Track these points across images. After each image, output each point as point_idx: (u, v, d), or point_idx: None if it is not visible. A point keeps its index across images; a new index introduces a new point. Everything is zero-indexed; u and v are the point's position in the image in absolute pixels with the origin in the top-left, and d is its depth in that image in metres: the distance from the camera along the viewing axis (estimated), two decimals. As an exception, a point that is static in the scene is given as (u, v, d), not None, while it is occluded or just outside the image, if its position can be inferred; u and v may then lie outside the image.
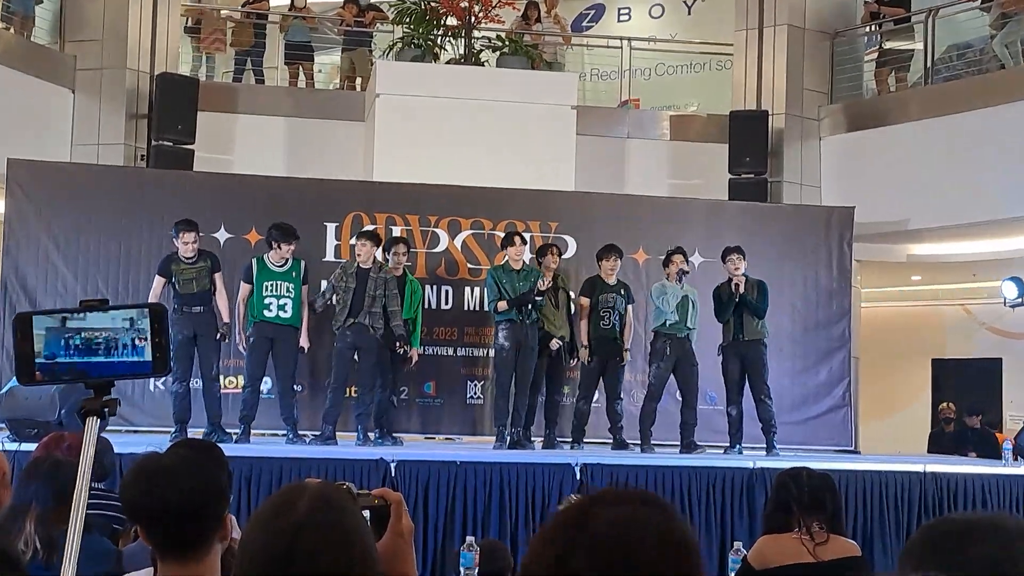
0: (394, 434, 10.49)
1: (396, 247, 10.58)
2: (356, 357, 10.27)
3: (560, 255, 11.01)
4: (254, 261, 10.18)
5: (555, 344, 10.52)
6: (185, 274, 9.94)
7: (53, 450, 5.00)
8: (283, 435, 10.21)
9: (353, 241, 10.70)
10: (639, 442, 10.70)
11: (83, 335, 1.70)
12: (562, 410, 10.98)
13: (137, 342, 1.70)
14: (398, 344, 10.25)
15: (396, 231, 11.60)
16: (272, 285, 10.09)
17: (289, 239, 10.13)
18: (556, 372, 10.85)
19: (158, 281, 10.03)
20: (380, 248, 10.47)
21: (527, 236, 11.09)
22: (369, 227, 11.13)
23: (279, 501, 1.96)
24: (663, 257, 11.00)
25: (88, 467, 1.74)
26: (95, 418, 1.72)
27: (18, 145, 11.82)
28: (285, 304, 10.11)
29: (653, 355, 10.80)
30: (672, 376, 10.74)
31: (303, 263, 10.26)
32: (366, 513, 2.17)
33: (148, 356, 1.70)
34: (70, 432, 5.53)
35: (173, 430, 9.82)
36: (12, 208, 11.24)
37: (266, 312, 10.06)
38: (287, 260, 10.16)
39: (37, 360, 1.68)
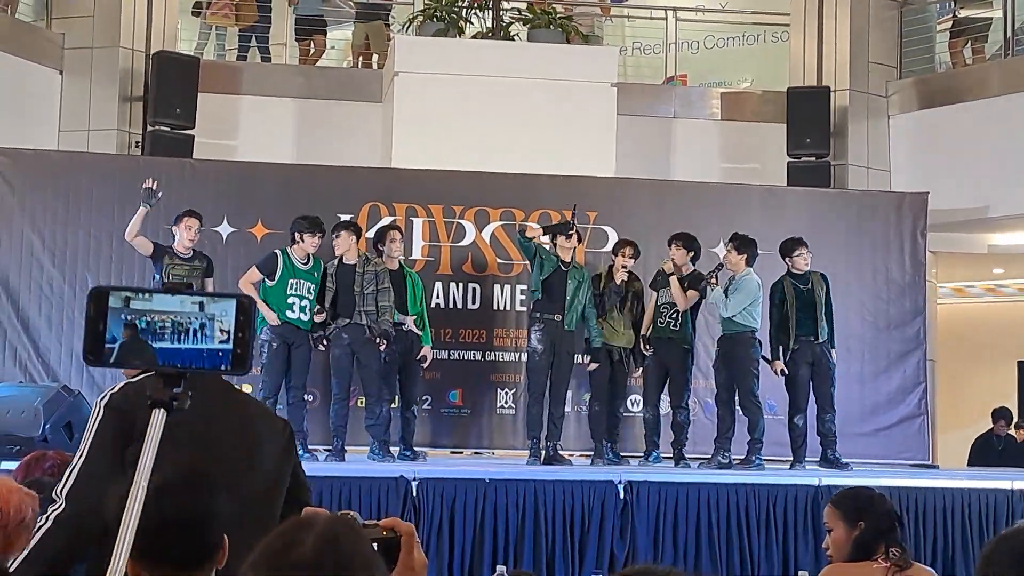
0: (416, 448, 10.31)
1: (390, 235, 10.37)
2: (355, 362, 10.09)
3: (635, 256, 10.68)
4: (279, 253, 10.06)
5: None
6: (176, 270, 9.83)
7: (34, 470, 4.87)
8: None
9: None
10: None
11: (148, 317, 1.67)
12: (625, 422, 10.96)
13: (208, 330, 1.67)
14: (378, 340, 10.04)
15: (417, 223, 11.43)
16: (296, 284, 10.03)
17: (315, 231, 10.06)
18: (617, 381, 10.70)
19: (143, 243, 10.04)
20: (359, 238, 10.34)
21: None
22: (346, 217, 10.94)
23: (285, 537, 2.00)
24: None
25: (147, 469, 1.69)
26: (162, 411, 1.68)
27: (0, 131, 11.72)
28: (306, 306, 10.04)
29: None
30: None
31: (323, 263, 10.14)
32: (373, 546, 2.12)
33: (221, 345, 1.67)
34: (54, 450, 5.39)
35: None
36: (-7, 200, 11.13)
37: (288, 313, 9.95)
38: (309, 257, 10.06)
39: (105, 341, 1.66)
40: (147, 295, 1.66)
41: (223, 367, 1.67)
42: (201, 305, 1.65)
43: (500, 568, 5.85)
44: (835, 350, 10.72)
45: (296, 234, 10.05)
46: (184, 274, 9.86)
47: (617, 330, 10.47)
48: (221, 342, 1.62)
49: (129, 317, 1.65)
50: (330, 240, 10.20)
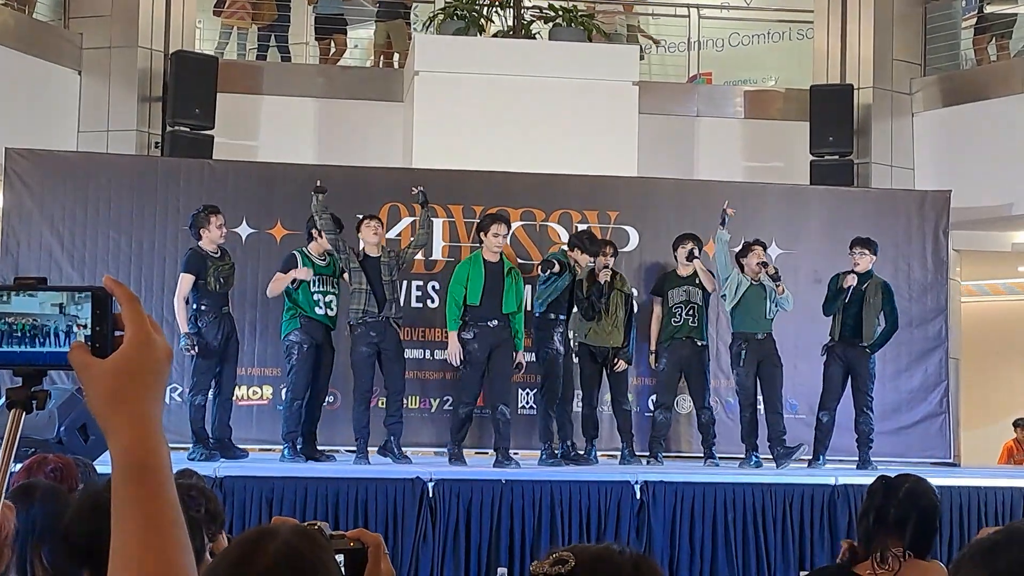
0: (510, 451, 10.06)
1: (495, 228, 10.01)
2: (379, 359, 10.02)
3: (615, 255, 10.78)
4: (298, 253, 10.04)
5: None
6: (222, 270, 9.87)
7: (36, 473, 4.87)
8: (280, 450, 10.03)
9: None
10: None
11: (4, 321, 1.64)
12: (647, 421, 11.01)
13: (71, 334, 1.63)
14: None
15: (437, 223, 11.43)
16: (319, 280, 10.01)
17: (332, 227, 10.04)
18: (616, 380, 10.72)
19: (186, 279, 9.83)
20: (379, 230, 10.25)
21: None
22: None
23: (246, 548, 1.99)
24: (738, 249, 10.85)
25: (6, 468, 1.67)
26: (19, 411, 1.66)
27: (19, 133, 11.81)
28: (331, 302, 10.04)
29: (732, 360, 10.70)
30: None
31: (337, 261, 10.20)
32: (340, 557, 2.11)
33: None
34: (56, 454, 5.40)
35: (191, 447, 9.74)
36: (12, 202, 11.17)
37: (317, 310, 9.95)
38: (327, 254, 10.07)
39: None
40: (5, 296, 1.64)
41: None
42: (61, 308, 1.63)
43: (501, 570, 5.87)
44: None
45: (313, 231, 10.06)
46: (228, 272, 9.93)
47: (606, 331, 10.51)
48: (84, 339, 1.60)
49: None
50: (354, 235, 10.20)
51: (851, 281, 10.50)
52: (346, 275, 10.02)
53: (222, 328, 9.86)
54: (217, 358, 9.82)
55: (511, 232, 10.77)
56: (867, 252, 10.65)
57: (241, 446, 10.13)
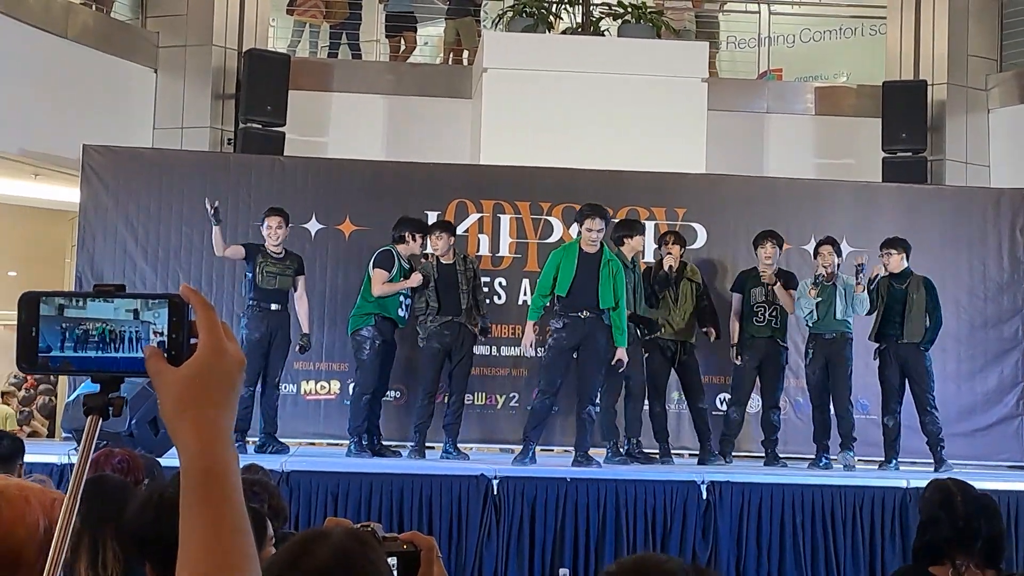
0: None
1: (588, 222, 9.59)
2: (448, 359, 9.99)
3: (683, 244, 10.66)
4: (392, 251, 10.03)
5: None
6: (269, 268, 9.93)
7: (104, 466, 4.90)
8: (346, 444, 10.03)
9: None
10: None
11: (83, 326, 1.65)
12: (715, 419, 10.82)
13: (144, 338, 1.64)
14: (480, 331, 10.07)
15: (505, 220, 11.40)
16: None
17: (424, 232, 10.10)
18: (693, 379, 10.58)
19: (237, 248, 10.12)
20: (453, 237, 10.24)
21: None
22: (434, 214, 10.89)
23: (298, 549, 1.99)
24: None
25: (82, 474, 1.65)
26: (97, 417, 1.67)
27: (97, 129, 11.96)
28: (408, 304, 10.08)
29: (805, 358, 10.66)
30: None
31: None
32: (392, 560, 2.09)
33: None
34: (121, 448, 5.41)
35: (260, 437, 9.82)
36: (88, 198, 11.30)
37: (399, 311, 9.99)
38: (410, 259, 10.10)
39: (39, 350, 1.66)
40: (80, 301, 1.64)
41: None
42: (135, 313, 1.63)
43: (563, 571, 5.80)
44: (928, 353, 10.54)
45: (407, 234, 10.06)
46: (277, 272, 9.97)
47: (677, 322, 10.41)
48: (158, 345, 1.60)
49: (64, 325, 1.63)
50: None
51: (877, 271, 10.40)
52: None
53: (267, 325, 9.94)
54: (262, 353, 9.89)
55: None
56: (894, 251, 10.47)
57: (309, 440, 10.15)
